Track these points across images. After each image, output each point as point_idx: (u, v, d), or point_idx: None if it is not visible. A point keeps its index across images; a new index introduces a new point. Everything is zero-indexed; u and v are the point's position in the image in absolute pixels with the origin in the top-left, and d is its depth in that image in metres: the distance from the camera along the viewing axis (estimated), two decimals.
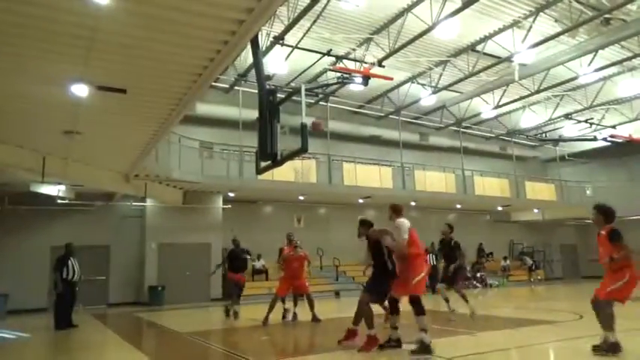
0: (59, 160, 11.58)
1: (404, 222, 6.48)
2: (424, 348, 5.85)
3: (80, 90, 7.16)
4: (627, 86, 19.24)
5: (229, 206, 18.19)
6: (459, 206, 23.38)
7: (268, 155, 8.21)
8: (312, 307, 9.81)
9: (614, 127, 22.36)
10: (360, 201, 20.56)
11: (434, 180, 21.37)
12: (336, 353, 6.39)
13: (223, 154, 17.54)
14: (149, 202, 16.81)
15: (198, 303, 15.72)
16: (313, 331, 9.26)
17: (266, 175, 14.92)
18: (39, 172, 11.09)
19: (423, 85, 19.36)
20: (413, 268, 6.21)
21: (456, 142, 23.42)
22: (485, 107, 21.21)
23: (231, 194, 17.93)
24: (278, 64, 16.41)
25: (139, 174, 14.13)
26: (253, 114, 10.40)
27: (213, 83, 15.63)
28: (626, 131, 22.18)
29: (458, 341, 7.07)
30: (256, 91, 9.06)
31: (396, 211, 6.70)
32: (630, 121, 21.85)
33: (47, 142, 10.46)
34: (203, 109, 18.17)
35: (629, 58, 16.77)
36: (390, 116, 21.65)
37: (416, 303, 6.00)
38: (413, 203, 21.74)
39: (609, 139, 22.21)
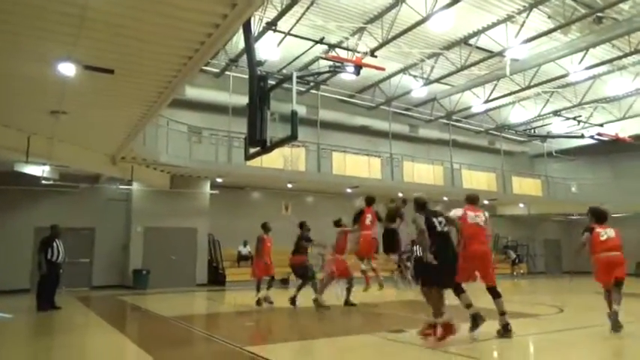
0: (44, 140, 11.40)
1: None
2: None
3: (67, 69, 7.03)
4: (616, 85, 19.43)
5: (217, 192, 18.11)
6: (446, 199, 23.48)
7: (257, 141, 8.19)
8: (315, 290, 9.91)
9: (601, 125, 22.60)
10: (349, 190, 20.60)
11: (422, 172, 21.49)
12: (320, 340, 6.45)
13: (212, 139, 17.42)
14: (135, 186, 16.67)
15: (183, 288, 15.70)
16: (299, 318, 9.33)
17: (254, 162, 14.87)
18: (23, 152, 10.92)
19: (414, 76, 19.35)
20: None
21: (445, 135, 23.53)
22: (475, 101, 21.29)
23: (219, 180, 17.85)
24: (270, 50, 16.26)
25: (126, 156, 13.99)
26: (243, 99, 10.31)
27: (204, 67, 15.46)
28: (612, 130, 22.43)
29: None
30: (247, 76, 9.01)
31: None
32: (617, 120, 22.12)
33: (32, 121, 10.29)
34: (192, 92, 17.98)
35: (619, 58, 16.90)
36: (381, 107, 21.64)
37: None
38: (400, 194, 21.82)
39: (596, 137, 22.44)
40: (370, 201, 10.13)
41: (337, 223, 10.11)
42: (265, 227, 11.05)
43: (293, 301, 10.13)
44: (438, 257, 5.94)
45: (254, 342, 6.46)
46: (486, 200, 24.20)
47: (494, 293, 6.47)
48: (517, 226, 27.52)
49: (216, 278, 17.39)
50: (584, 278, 16.28)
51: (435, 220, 6.21)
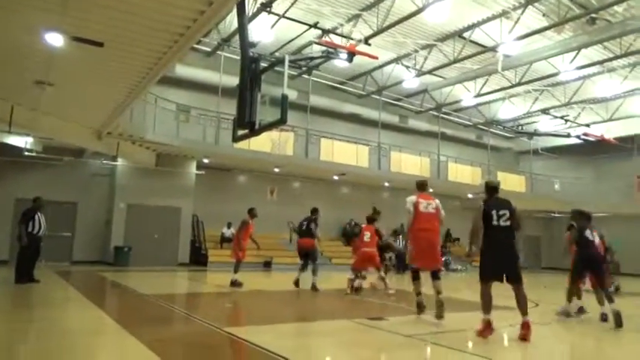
0: (28, 111, 11.19)
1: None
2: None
3: (55, 39, 6.88)
4: (605, 87, 19.64)
5: (203, 172, 18.01)
6: (431, 190, 23.66)
7: (246, 124, 8.13)
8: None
9: (588, 125, 22.89)
10: (335, 178, 20.65)
11: (409, 162, 21.59)
12: (297, 324, 6.50)
13: (200, 118, 17.28)
14: (120, 162, 16.49)
15: (164, 267, 15.67)
16: (280, 301, 9.39)
17: (242, 144, 14.82)
18: (6, 122, 10.71)
19: (407, 67, 19.32)
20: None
21: (434, 127, 23.63)
22: (466, 95, 21.38)
23: (205, 160, 17.73)
24: (263, 32, 16.08)
25: (112, 132, 13.80)
26: (234, 80, 10.23)
27: (195, 45, 15.24)
28: (598, 131, 22.74)
29: (416, 321, 7.27)
30: (239, 57, 8.90)
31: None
32: (604, 121, 22.40)
33: (17, 91, 10.08)
34: (182, 71, 17.75)
35: (609, 59, 17.07)
36: (372, 95, 21.62)
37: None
38: (387, 184, 21.98)
39: (582, 137, 22.75)
40: (371, 219, 10.42)
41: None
42: (252, 213, 11.09)
43: (297, 283, 10.62)
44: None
45: (233, 323, 6.49)
46: (470, 194, 24.44)
47: (435, 275, 6.84)
48: None
49: (198, 258, 17.39)
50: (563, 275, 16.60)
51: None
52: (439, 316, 6.74)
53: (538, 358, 5.37)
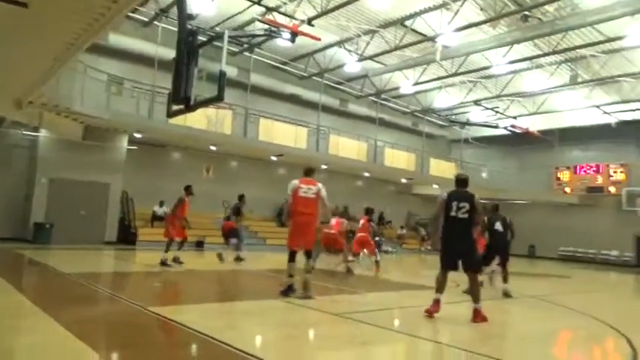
0: None
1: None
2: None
3: None
4: (532, 82, 20.80)
5: (135, 147, 17.29)
6: (367, 174, 24.25)
7: (181, 99, 7.84)
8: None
9: (515, 117, 24.20)
10: (273, 158, 20.54)
11: (347, 146, 21.89)
12: (225, 304, 6.48)
13: (134, 91, 16.50)
14: (43, 133, 15.46)
15: (90, 245, 14.97)
16: (210, 281, 9.29)
17: (178, 120, 14.35)
18: None
19: (349, 51, 19.43)
20: None
21: (372, 112, 24.03)
22: (404, 82, 21.86)
23: (137, 135, 17.01)
24: (204, 5, 15.54)
25: (34, 101, 12.83)
26: (171, 53, 9.82)
27: (131, 14, 14.48)
28: (524, 123, 24.11)
29: (345, 299, 7.48)
30: (176, 29, 8.54)
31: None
32: (530, 115, 23.76)
33: None
34: (116, 40, 16.83)
35: (538, 56, 18.07)
36: (313, 77, 21.59)
37: None
38: (324, 166, 22.17)
39: (510, 128, 24.04)
40: (368, 211, 12.29)
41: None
42: (189, 190, 11.06)
43: (238, 257, 11.91)
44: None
45: (159, 303, 6.35)
46: (404, 179, 25.25)
47: (308, 255, 7.17)
48: (429, 205, 28.98)
49: (127, 237, 16.77)
50: None
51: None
52: (305, 296, 6.87)
53: (446, 332, 5.70)
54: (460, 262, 6.14)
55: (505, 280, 8.71)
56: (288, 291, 7.04)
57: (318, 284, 9.35)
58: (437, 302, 6.12)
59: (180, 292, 8.00)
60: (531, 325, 6.65)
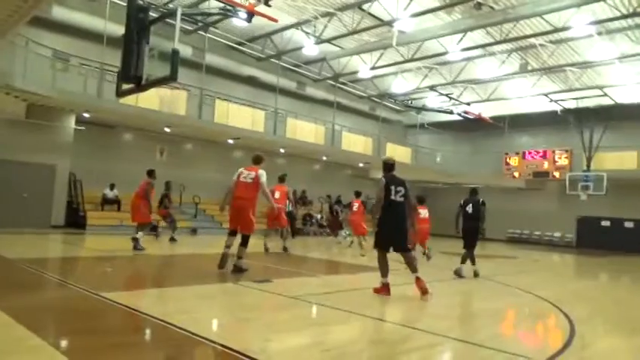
0: None
1: None
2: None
3: None
4: (485, 69, 21.36)
5: (83, 128, 16.57)
6: (325, 158, 24.35)
7: (131, 78, 7.57)
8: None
9: (468, 104, 24.83)
10: (230, 141, 20.25)
11: (305, 129, 21.84)
12: (179, 288, 6.40)
13: (81, 68, 15.74)
14: None
15: (36, 229, 14.34)
16: (165, 265, 9.13)
17: (129, 100, 13.86)
18: None
19: (307, 33, 19.26)
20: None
21: (330, 96, 24.04)
22: (362, 67, 21.94)
23: (86, 115, 16.31)
24: None
25: None
26: (120, 29, 9.41)
27: None
28: (477, 110, 24.80)
29: (302, 282, 7.55)
30: (125, 4, 8.19)
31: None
32: (482, 101, 24.43)
33: None
34: (62, 13, 16.01)
35: (490, 44, 18.53)
36: (271, 59, 21.31)
37: None
38: (282, 150, 22.08)
39: (463, 114, 24.67)
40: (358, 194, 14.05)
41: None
42: (154, 175, 11.34)
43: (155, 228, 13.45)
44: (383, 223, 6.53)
45: (110, 288, 6.20)
46: (361, 163, 25.52)
47: (244, 241, 7.73)
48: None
49: (75, 221, 16.18)
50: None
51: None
52: (237, 279, 7.11)
53: (398, 312, 5.87)
54: (394, 245, 6.58)
55: (473, 262, 9.28)
56: (223, 263, 7.65)
57: (276, 267, 9.39)
58: (385, 286, 6.53)
59: (132, 277, 7.82)
60: (478, 303, 6.95)
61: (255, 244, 12.47)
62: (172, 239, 13.20)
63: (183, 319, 4.50)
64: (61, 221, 15.91)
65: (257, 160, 8.01)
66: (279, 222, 11.37)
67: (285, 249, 11.58)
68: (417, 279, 6.49)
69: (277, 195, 10.95)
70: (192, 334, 4.04)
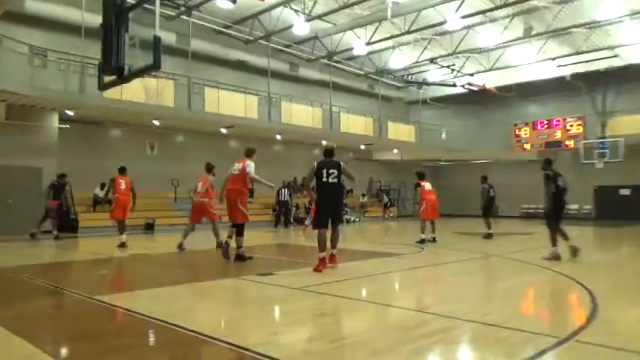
0: None
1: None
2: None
3: None
4: (487, 37, 21.16)
5: (67, 126, 16.52)
6: (324, 142, 24.21)
7: (113, 69, 7.49)
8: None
9: (472, 75, 24.68)
10: (223, 131, 20.18)
11: (301, 113, 21.73)
12: (179, 286, 6.41)
13: (61, 63, 15.62)
14: None
15: (23, 235, 14.31)
16: (159, 264, 9.15)
17: (113, 93, 13.81)
18: None
19: (296, 11, 19.07)
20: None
21: (325, 76, 23.87)
22: (357, 43, 21.75)
23: (69, 112, 16.24)
24: None
25: None
26: (98, 19, 9.29)
27: None
28: (481, 80, 24.65)
29: (306, 273, 7.56)
30: None
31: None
32: (486, 71, 24.28)
33: None
34: (36, 6, 15.90)
35: (491, 9, 18.33)
36: (260, 41, 21.14)
37: None
38: (278, 136, 22.01)
39: (467, 86, 24.53)
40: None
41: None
42: (125, 171, 11.51)
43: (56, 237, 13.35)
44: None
45: (106, 291, 6.21)
46: (363, 145, 25.46)
47: (239, 231, 8.47)
48: (390, 171, 29.54)
49: (66, 224, 16.19)
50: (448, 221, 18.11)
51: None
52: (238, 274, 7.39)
53: (411, 298, 5.87)
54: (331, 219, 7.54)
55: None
56: (239, 258, 8.34)
57: (278, 259, 9.40)
58: (323, 260, 7.37)
59: (128, 279, 7.85)
60: (495, 283, 6.95)
61: (259, 236, 12.49)
62: (33, 235, 13.47)
63: (185, 318, 4.50)
64: (49, 225, 15.90)
65: (248, 153, 8.61)
66: (209, 216, 10.86)
67: (219, 245, 10.26)
68: (332, 256, 7.60)
69: (200, 188, 11.07)
70: (196, 332, 4.04)
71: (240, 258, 8.40)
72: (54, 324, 4.77)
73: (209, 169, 10.98)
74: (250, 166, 8.36)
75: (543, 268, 7.69)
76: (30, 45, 15.19)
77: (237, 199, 8.36)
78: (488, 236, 12.89)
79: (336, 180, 7.52)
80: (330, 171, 7.50)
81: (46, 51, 15.67)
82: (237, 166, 8.51)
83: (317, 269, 7.25)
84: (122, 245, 10.88)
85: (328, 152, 7.91)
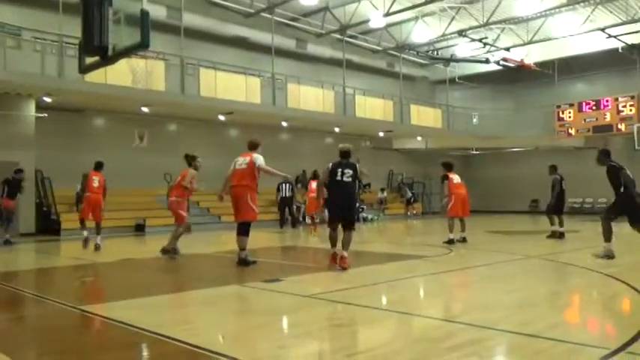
0: None
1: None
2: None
3: None
4: (525, 4, 20.96)
5: (45, 115, 16.74)
6: (337, 129, 24.26)
7: (95, 48, 7.60)
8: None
9: (508, 49, 24.49)
10: (221, 117, 20.28)
11: (310, 96, 21.74)
12: (176, 295, 6.51)
13: (37, 44, 15.81)
14: None
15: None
16: (153, 270, 9.27)
17: (96, 77, 13.92)
18: None
19: None
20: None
21: (338, 53, 23.84)
22: (374, 14, 21.67)
23: (47, 99, 16.45)
24: None
25: None
26: None
27: None
28: (518, 56, 24.45)
29: (321, 277, 7.62)
30: None
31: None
32: (524, 45, 24.07)
33: None
34: None
35: None
36: (262, 14, 21.16)
37: None
38: (284, 124, 22.06)
39: (502, 62, 24.36)
40: (315, 174, 14.57)
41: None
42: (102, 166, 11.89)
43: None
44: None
45: (93, 300, 6.31)
46: (381, 132, 25.40)
47: (243, 230, 8.65)
48: (413, 161, 29.48)
49: (47, 226, 16.46)
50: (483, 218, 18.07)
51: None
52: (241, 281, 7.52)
53: (439, 305, 5.90)
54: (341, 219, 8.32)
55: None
56: (242, 262, 8.48)
57: (284, 263, 9.47)
58: (333, 255, 8.24)
59: (116, 286, 7.94)
60: (535, 287, 6.94)
61: (263, 237, 12.56)
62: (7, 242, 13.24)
63: (181, 330, 4.56)
64: (31, 228, 16.20)
65: (252, 146, 8.87)
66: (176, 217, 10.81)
67: (165, 251, 10.19)
68: (342, 257, 8.08)
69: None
70: (194, 346, 4.09)
71: (244, 262, 8.48)
72: (33, 336, 4.86)
73: (190, 160, 10.81)
74: (259, 158, 8.63)
75: (590, 271, 7.66)
76: (0, 23, 15.37)
77: (246, 195, 8.59)
78: (560, 236, 12.71)
79: (350, 179, 8.28)
80: (346, 170, 8.27)
81: (20, 29, 15.86)
82: (243, 160, 8.70)
83: (329, 265, 8.23)
84: (85, 244, 11.36)
85: (344, 154, 8.50)
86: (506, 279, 7.70)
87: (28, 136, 16.47)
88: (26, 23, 16.01)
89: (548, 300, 6.15)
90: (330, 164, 8.39)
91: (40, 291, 7.26)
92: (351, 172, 8.27)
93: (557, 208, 13.08)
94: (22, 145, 16.16)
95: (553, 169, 13.59)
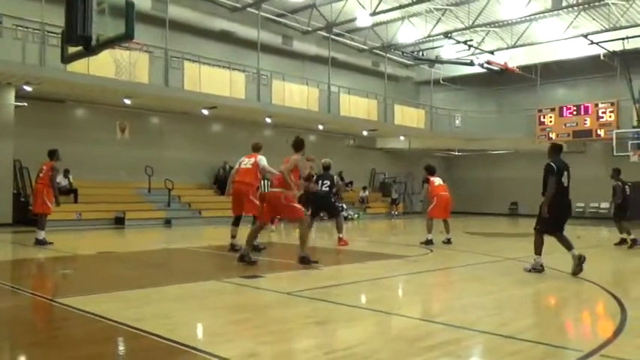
0: None
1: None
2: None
3: None
4: (510, 8, 21.15)
5: (25, 104, 16.48)
6: (321, 127, 24.27)
7: (78, 38, 7.47)
8: None
9: (492, 52, 24.68)
10: (205, 112, 20.16)
11: (294, 93, 21.70)
12: (153, 289, 6.46)
13: (18, 31, 15.56)
14: None
15: None
16: (132, 263, 9.20)
17: (78, 67, 13.75)
18: None
19: None
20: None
21: (323, 51, 23.82)
22: (361, 12, 21.69)
23: (27, 88, 16.19)
24: None
25: None
26: None
27: None
28: (502, 59, 24.66)
29: (300, 275, 7.62)
30: None
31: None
32: (508, 48, 24.29)
33: None
34: None
35: None
36: (248, 9, 21.08)
37: None
38: (268, 120, 21.99)
39: (486, 65, 24.54)
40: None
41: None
42: (56, 154, 11.58)
43: None
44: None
45: (69, 293, 6.24)
46: (365, 131, 25.47)
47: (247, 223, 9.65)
48: (396, 161, 29.61)
49: (26, 216, 16.20)
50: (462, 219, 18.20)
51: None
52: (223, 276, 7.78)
53: (420, 303, 5.94)
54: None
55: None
56: (241, 256, 8.30)
57: (265, 260, 9.45)
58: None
59: (95, 279, 7.86)
60: (512, 289, 7.02)
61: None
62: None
63: (160, 325, 4.53)
64: (8, 218, 15.96)
65: (256, 148, 9.83)
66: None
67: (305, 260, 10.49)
68: (340, 238, 11.17)
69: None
70: (172, 341, 4.07)
71: (244, 260, 8.16)
72: (10, 329, 4.80)
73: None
74: (263, 160, 9.56)
75: (567, 274, 7.77)
76: None
77: (248, 190, 9.43)
78: (633, 243, 12.06)
79: (327, 189, 11.27)
80: (325, 181, 11.23)
81: (1, 16, 15.59)
82: (249, 160, 9.62)
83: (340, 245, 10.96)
84: (39, 242, 10.88)
85: (327, 168, 11.72)
86: (485, 280, 7.78)
87: (7, 124, 16.22)
88: (8, 10, 15.71)
89: (525, 302, 6.23)
90: (315, 175, 10.57)
91: (15, 282, 7.15)
92: (328, 182, 11.27)
93: (619, 215, 12.83)
94: (0, 134, 15.92)
95: (616, 173, 13.01)
